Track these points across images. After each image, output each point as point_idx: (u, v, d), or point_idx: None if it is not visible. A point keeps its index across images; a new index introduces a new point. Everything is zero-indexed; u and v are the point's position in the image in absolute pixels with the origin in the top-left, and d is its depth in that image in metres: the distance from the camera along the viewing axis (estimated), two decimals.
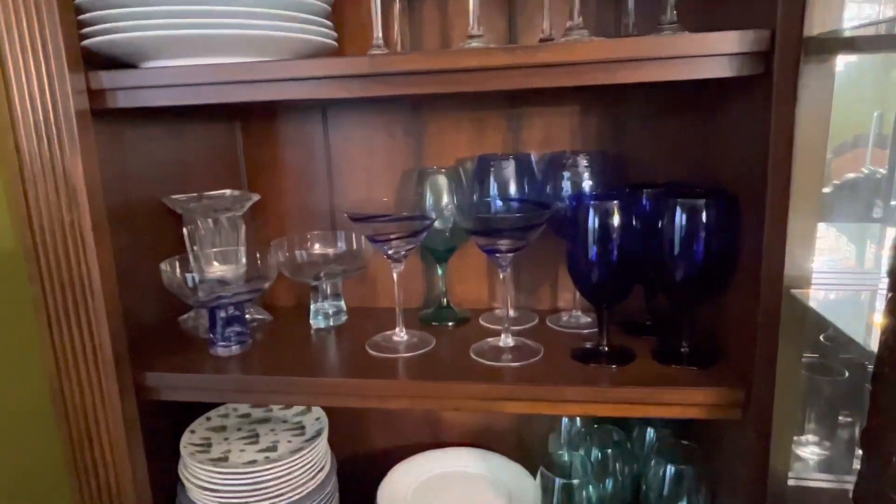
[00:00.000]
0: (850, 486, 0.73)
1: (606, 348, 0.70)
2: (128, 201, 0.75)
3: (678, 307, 0.69)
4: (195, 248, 0.82)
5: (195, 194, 0.83)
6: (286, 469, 0.79)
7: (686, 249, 0.64)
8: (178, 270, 0.75)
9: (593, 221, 0.66)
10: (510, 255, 0.70)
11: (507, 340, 0.74)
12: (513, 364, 0.70)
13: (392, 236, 0.72)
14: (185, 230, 0.82)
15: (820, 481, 0.85)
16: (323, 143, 0.93)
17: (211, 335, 0.77)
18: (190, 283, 0.72)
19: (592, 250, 0.66)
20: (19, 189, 0.65)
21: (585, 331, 0.81)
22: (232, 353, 0.76)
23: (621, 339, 0.75)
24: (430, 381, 0.67)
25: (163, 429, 0.83)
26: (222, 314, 0.76)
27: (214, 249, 0.82)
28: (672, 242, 0.65)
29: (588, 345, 0.74)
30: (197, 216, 0.81)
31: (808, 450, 0.96)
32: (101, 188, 0.66)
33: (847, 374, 1.08)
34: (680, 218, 0.64)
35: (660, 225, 0.66)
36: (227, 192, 0.87)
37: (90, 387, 0.69)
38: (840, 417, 1.06)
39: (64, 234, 0.65)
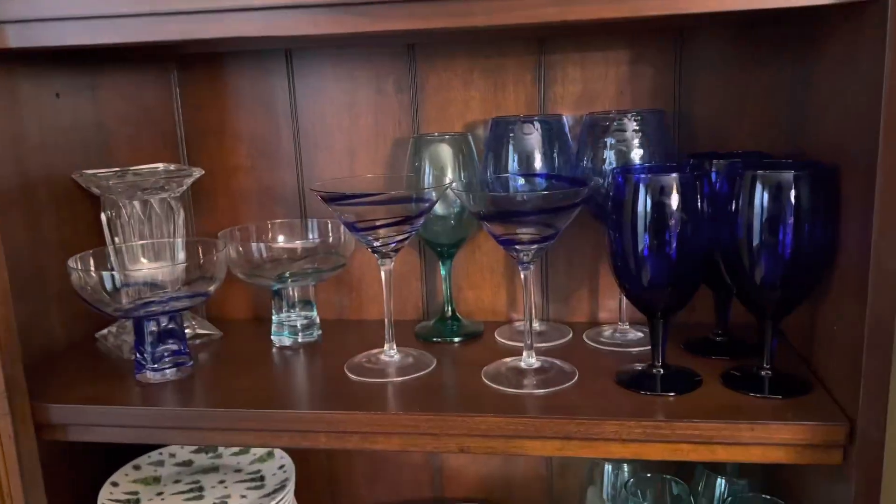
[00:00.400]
0: None
1: (662, 371, 0.70)
2: (25, 178, 0.76)
3: (759, 317, 0.69)
4: (116, 239, 0.82)
5: (117, 169, 0.83)
6: None
7: (769, 240, 0.64)
8: (92, 269, 0.75)
9: (645, 203, 0.65)
10: (534, 247, 0.70)
11: (530, 360, 0.74)
12: (538, 391, 0.70)
13: (379, 223, 0.72)
14: (103, 216, 0.82)
15: None
16: (287, 100, 0.93)
17: (138, 356, 0.77)
18: (109, 286, 0.72)
19: (644, 241, 0.66)
20: None
21: (634, 349, 0.81)
22: (166, 378, 0.76)
23: (682, 360, 0.74)
24: (428, 414, 0.66)
25: (75, 480, 0.83)
26: (153, 328, 0.76)
27: (142, 242, 0.82)
28: (751, 230, 0.64)
29: (638, 367, 0.73)
30: (119, 198, 0.81)
31: None
32: None
33: None
34: (761, 197, 0.64)
35: (734, 207, 0.65)
36: (160, 165, 0.87)
37: None
38: None
39: None
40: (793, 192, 0.62)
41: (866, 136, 0.56)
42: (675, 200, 0.64)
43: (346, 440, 0.68)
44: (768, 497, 0.76)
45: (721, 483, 0.83)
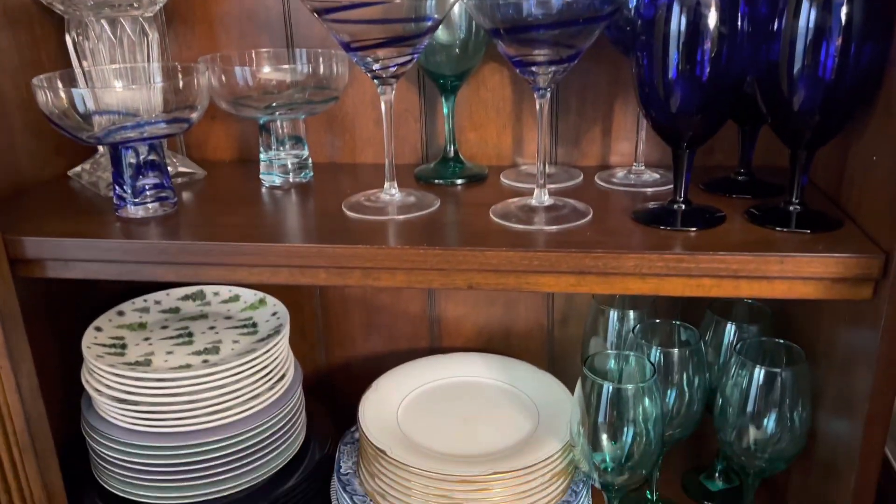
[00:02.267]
0: None
1: (683, 206, 0.67)
2: None
3: (792, 147, 0.65)
4: (84, 63, 0.75)
5: None
6: (231, 376, 0.77)
7: (812, 60, 0.59)
8: (60, 90, 0.68)
9: (679, 21, 0.60)
10: (553, 69, 0.65)
11: (542, 198, 0.70)
12: (551, 228, 0.66)
13: (377, 40, 0.66)
14: (68, 38, 0.75)
15: None
16: None
17: (117, 189, 0.72)
18: (80, 108, 0.66)
19: (674, 63, 0.61)
20: None
21: (650, 190, 0.78)
22: (149, 213, 0.72)
23: (703, 199, 0.71)
24: (436, 249, 0.63)
25: (60, 324, 0.80)
26: (131, 159, 0.71)
27: (114, 66, 0.75)
28: (793, 49, 0.59)
29: (656, 204, 0.70)
30: (86, 15, 0.73)
31: None
32: None
33: None
34: (807, 10, 0.58)
35: (775, 27, 0.60)
36: None
37: None
38: None
39: None
40: (844, 6, 0.57)
41: None
42: (711, 18, 0.59)
43: (347, 276, 0.65)
44: (781, 341, 0.75)
45: (730, 328, 0.82)
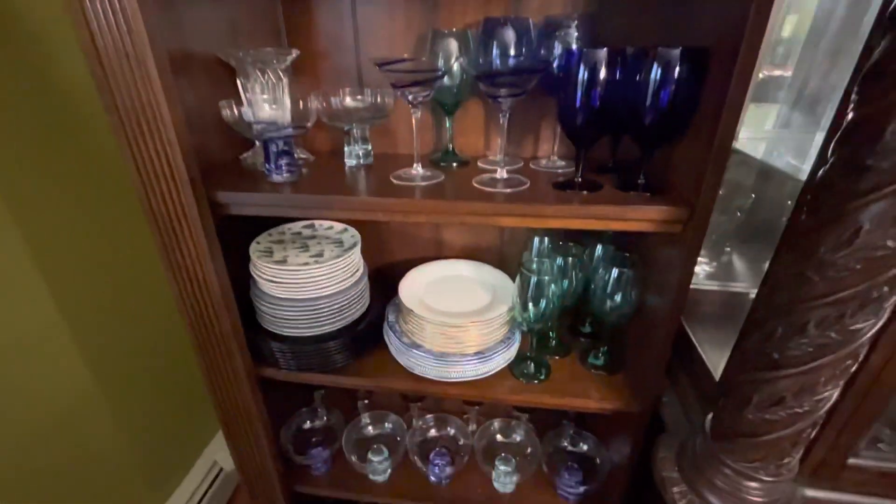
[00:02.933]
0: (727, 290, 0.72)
1: (580, 179, 0.64)
2: (185, 49, 0.63)
3: (642, 147, 0.62)
4: (248, 94, 0.71)
5: (246, 50, 0.70)
6: (330, 268, 0.76)
7: (656, 97, 0.56)
8: (234, 108, 0.65)
9: (583, 72, 0.56)
10: (511, 99, 0.61)
11: (501, 174, 0.68)
12: (506, 190, 0.64)
13: (411, 81, 0.62)
14: (238, 80, 0.70)
15: (708, 286, 0.86)
16: (350, 7, 0.77)
17: (266, 166, 0.69)
18: (246, 119, 0.62)
19: (579, 97, 0.58)
20: (82, 21, 0.52)
21: (561, 170, 0.75)
22: (284, 179, 0.69)
23: (592, 176, 0.69)
24: (441, 200, 0.61)
25: (236, 240, 0.78)
26: (274, 148, 0.68)
27: (264, 96, 0.70)
28: (645, 90, 0.56)
29: (565, 179, 0.68)
30: (248, 67, 0.68)
31: (700, 267, 0.97)
32: (159, 27, 0.53)
33: (739, 214, 1.06)
34: (655, 69, 0.55)
35: (638, 78, 0.57)
36: (271, 48, 0.73)
37: (171, 200, 0.62)
38: (726, 248, 1.05)
39: (130, 68, 0.54)
40: (677, 66, 0.54)
41: (734, 31, 0.46)
42: (602, 70, 0.56)
43: (392, 216, 0.63)
44: (627, 254, 0.75)
45: (600, 248, 0.81)
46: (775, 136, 0.95)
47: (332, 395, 1.10)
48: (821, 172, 0.41)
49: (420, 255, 0.97)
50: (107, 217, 0.96)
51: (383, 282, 0.92)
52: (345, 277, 0.79)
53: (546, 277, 0.71)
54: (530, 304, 0.73)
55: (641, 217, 0.57)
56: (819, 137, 0.61)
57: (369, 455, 0.97)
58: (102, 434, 1.00)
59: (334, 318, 0.79)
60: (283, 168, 0.69)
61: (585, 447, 0.96)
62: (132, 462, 1.08)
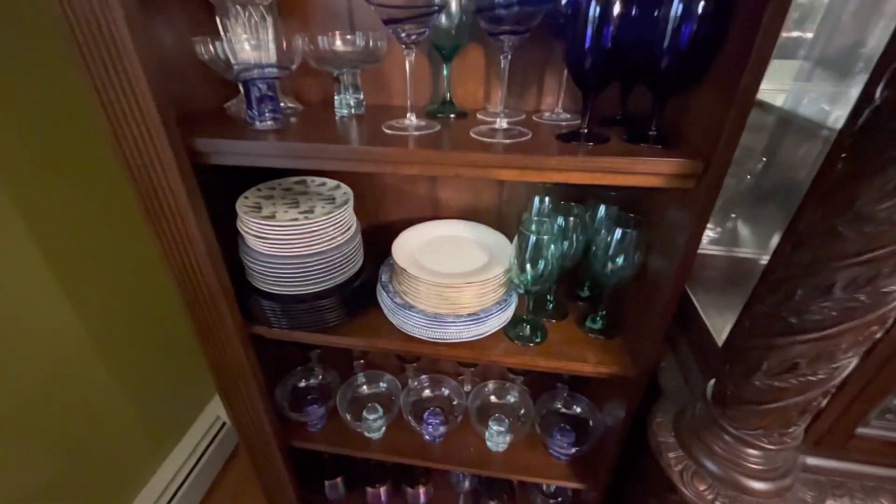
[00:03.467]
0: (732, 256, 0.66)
1: (586, 130, 0.58)
2: None
3: (655, 95, 0.56)
4: (227, 33, 0.63)
5: None
6: (320, 225, 0.71)
7: (674, 37, 0.49)
8: (210, 46, 0.58)
9: (595, 7, 0.49)
10: (513, 38, 0.54)
11: (501, 123, 0.61)
12: (506, 141, 0.58)
13: (404, 18, 0.54)
14: (218, 19, 0.63)
15: (712, 251, 0.81)
16: None
17: (249, 112, 0.63)
18: (222, 57, 0.56)
19: (589, 38, 0.50)
20: None
21: (564, 124, 0.68)
22: (268, 127, 0.63)
23: (598, 129, 0.62)
24: (436, 150, 0.55)
25: (225, 194, 0.73)
26: (256, 92, 0.61)
27: (245, 35, 0.63)
28: (664, 29, 0.49)
29: (570, 130, 0.61)
30: (229, 4, 0.61)
31: (704, 232, 0.92)
32: None
33: (749, 178, 0.99)
34: (677, 4, 0.48)
35: (656, 13, 0.49)
36: None
37: (144, 146, 0.56)
38: (732, 214, 0.99)
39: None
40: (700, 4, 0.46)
41: None
42: (615, 9, 0.48)
43: (383, 166, 0.57)
44: (632, 214, 0.69)
45: (603, 208, 0.75)
46: (798, 88, 0.87)
47: (327, 354, 1.08)
48: (865, 115, 0.35)
49: (416, 215, 0.92)
50: (103, 173, 0.91)
51: (378, 242, 0.87)
52: (336, 235, 0.74)
53: (545, 237, 0.66)
54: (528, 266, 0.68)
55: (652, 170, 0.51)
56: (854, 92, 0.54)
57: (364, 413, 0.96)
58: (101, 392, 0.99)
59: (326, 276, 0.75)
60: (267, 114, 0.63)
61: (579, 409, 0.94)
62: (133, 418, 1.07)
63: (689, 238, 0.55)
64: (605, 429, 0.87)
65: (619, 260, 0.69)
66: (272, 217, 0.71)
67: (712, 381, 0.54)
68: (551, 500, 1.04)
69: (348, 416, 0.93)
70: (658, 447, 0.55)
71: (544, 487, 1.06)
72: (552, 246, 0.67)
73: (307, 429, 0.98)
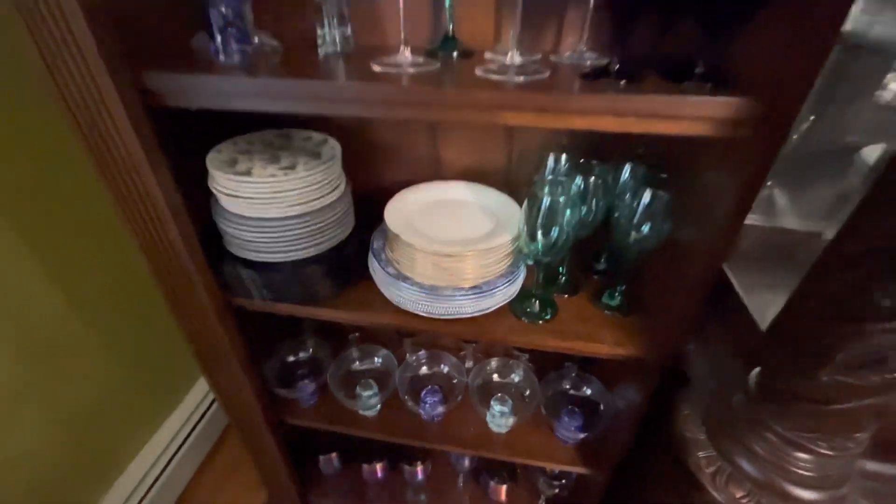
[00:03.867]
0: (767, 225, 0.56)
1: (618, 66, 0.47)
2: None
3: (704, 24, 0.45)
4: None
5: None
6: (302, 182, 0.62)
7: None
8: None
9: None
10: None
11: (514, 58, 0.51)
12: (519, 78, 0.48)
13: None
14: None
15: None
16: None
17: (212, 45, 0.52)
18: None
19: None
20: None
21: (589, 63, 0.56)
22: (234, 62, 0.53)
23: (632, 67, 0.51)
24: (434, 88, 0.45)
25: (193, 149, 0.63)
26: (219, 19, 0.51)
27: None
28: None
29: (598, 65, 0.51)
30: None
31: None
32: None
33: (794, 137, 0.88)
34: None
35: None
36: None
37: (82, 79, 0.46)
38: (768, 181, 0.89)
39: None
40: None
41: None
42: None
43: (372, 109, 0.48)
44: (664, 175, 0.59)
45: (628, 167, 0.65)
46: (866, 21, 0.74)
47: (321, 326, 1.01)
48: None
49: (415, 176, 0.81)
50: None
51: (371, 207, 0.77)
52: (321, 195, 0.64)
53: (562, 199, 0.56)
54: (539, 233, 0.59)
55: (699, 113, 0.41)
56: None
57: (358, 389, 0.89)
58: (88, 359, 0.94)
59: (311, 242, 0.66)
60: (234, 47, 0.52)
61: (589, 391, 0.87)
62: (122, 388, 1.02)
63: (736, 203, 0.45)
64: (616, 414, 0.79)
65: (645, 228, 0.59)
66: (248, 173, 0.62)
67: (756, 372, 0.45)
68: (554, 482, 0.99)
69: (341, 393, 0.87)
70: (685, 444, 0.48)
71: (547, 468, 1.01)
72: (568, 211, 0.58)
73: (298, 405, 0.92)
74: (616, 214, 0.62)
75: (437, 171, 0.80)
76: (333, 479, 1.13)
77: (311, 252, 0.67)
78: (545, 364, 0.95)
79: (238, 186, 0.61)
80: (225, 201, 0.63)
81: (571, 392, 0.88)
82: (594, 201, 0.64)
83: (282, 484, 1.04)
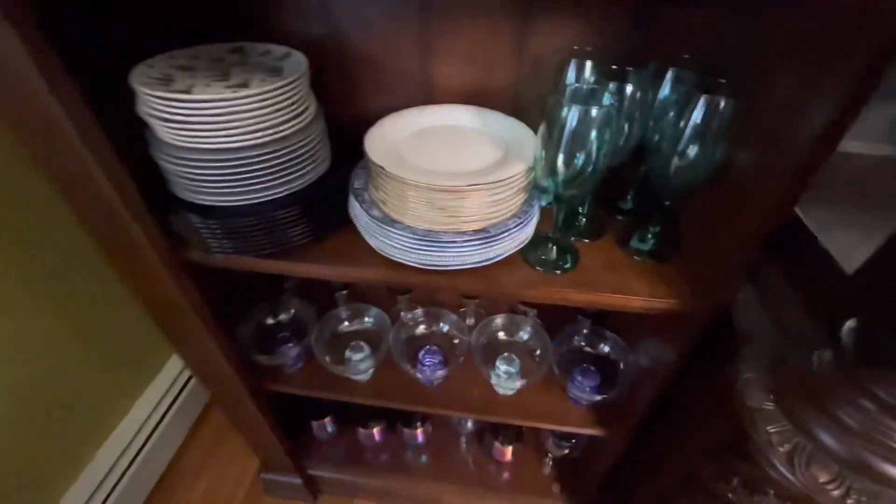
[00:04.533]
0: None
1: None
2: None
3: None
4: None
5: None
6: (259, 102, 0.48)
7: None
8: None
9: None
10: None
11: None
12: None
13: None
14: None
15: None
16: None
17: None
18: None
19: None
20: None
21: None
22: None
23: None
24: None
25: (115, 64, 0.49)
26: None
27: None
28: None
29: None
30: None
31: None
32: None
33: None
34: None
35: None
36: None
37: None
38: None
39: None
40: None
41: None
42: None
43: None
44: (723, 80, 0.46)
45: (671, 74, 0.51)
46: None
47: (303, 284, 0.90)
48: None
49: (402, 101, 0.67)
50: None
51: (351, 141, 0.64)
52: (284, 119, 0.51)
53: (594, 113, 0.43)
54: (561, 160, 0.47)
55: None
56: None
57: (347, 353, 0.80)
58: (58, 347, 0.83)
59: (276, 180, 0.53)
60: None
61: (607, 349, 0.78)
62: (98, 356, 0.93)
63: (832, 121, 0.33)
64: (638, 374, 0.71)
65: (692, 152, 0.47)
66: (187, 92, 0.48)
67: (850, 323, 0.34)
68: (564, 443, 0.93)
69: (328, 358, 0.77)
70: (749, 417, 0.38)
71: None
72: (595, 132, 0.45)
73: (282, 371, 0.83)
74: (655, 137, 0.49)
75: (428, 94, 0.66)
76: (329, 443, 1.07)
77: (279, 192, 0.55)
78: (553, 320, 0.85)
79: (176, 109, 0.47)
80: (161, 130, 0.50)
81: (587, 349, 0.79)
82: (628, 120, 0.51)
83: (273, 452, 0.97)
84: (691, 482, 0.52)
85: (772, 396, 0.39)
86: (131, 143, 0.51)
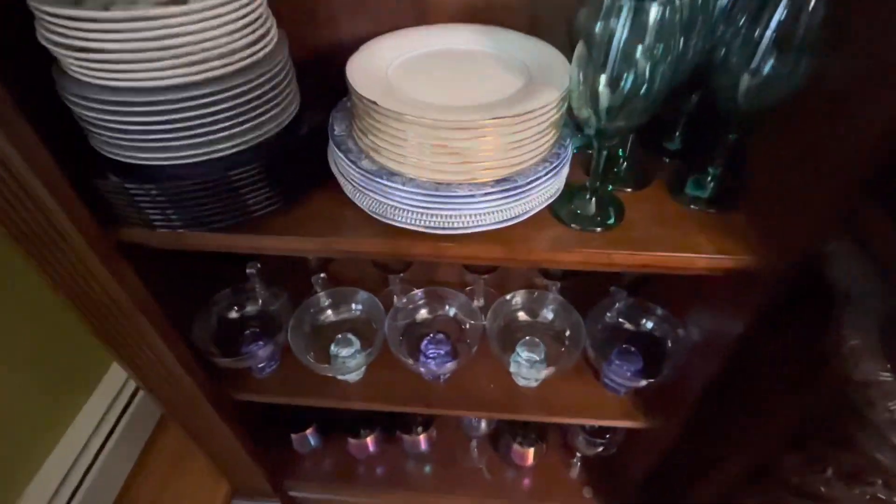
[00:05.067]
0: None
1: None
2: None
3: None
4: None
5: None
6: (202, 23, 0.42)
7: None
8: None
9: None
10: None
11: None
12: None
13: None
14: None
15: None
16: None
17: None
18: None
19: None
20: None
21: None
22: None
23: None
24: None
25: None
26: None
27: None
28: None
29: None
30: None
31: None
32: None
33: None
34: None
35: None
36: None
37: None
38: None
39: None
40: None
41: None
42: None
43: None
44: None
45: None
46: None
47: (272, 266, 0.85)
48: None
49: (388, 25, 0.61)
50: None
51: (327, 79, 0.58)
52: (238, 46, 0.45)
53: (652, 19, 0.39)
54: (602, 82, 0.42)
55: None
56: None
57: (333, 348, 0.76)
58: None
59: (229, 129, 0.48)
60: None
61: (650, 324, 0.75)
62: (9, 388, 0.87)
63: None
64: (689, 352, 0.69)
65: (767, 67, 0.44)
66: (105, 9, 0.42)
67: None
68: (597, 440, 0.92)
69: (309, 356, 0.73)
70: (864, 390, 0.36)
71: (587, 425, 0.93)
72: (652, 40, 0.41)
73: (251, 375, 0.79)
74: (722, 51, 0.46)
75: (421, 13, 0.60)
76: (313, 458, 1.04)
77: (236, 146, 0.49)
78: (578, 296, 0.82)
79: (85, 33, 0.41)
80: (71, 63, 0.43)
81: (626, 326, 0.77)
82: (686, 31, 0.46)
83: (245, 473, 0.94)
84: (766, 475, 0.51)
85: (889, 366, 0.36)
86: (35, 83, 0.45)
